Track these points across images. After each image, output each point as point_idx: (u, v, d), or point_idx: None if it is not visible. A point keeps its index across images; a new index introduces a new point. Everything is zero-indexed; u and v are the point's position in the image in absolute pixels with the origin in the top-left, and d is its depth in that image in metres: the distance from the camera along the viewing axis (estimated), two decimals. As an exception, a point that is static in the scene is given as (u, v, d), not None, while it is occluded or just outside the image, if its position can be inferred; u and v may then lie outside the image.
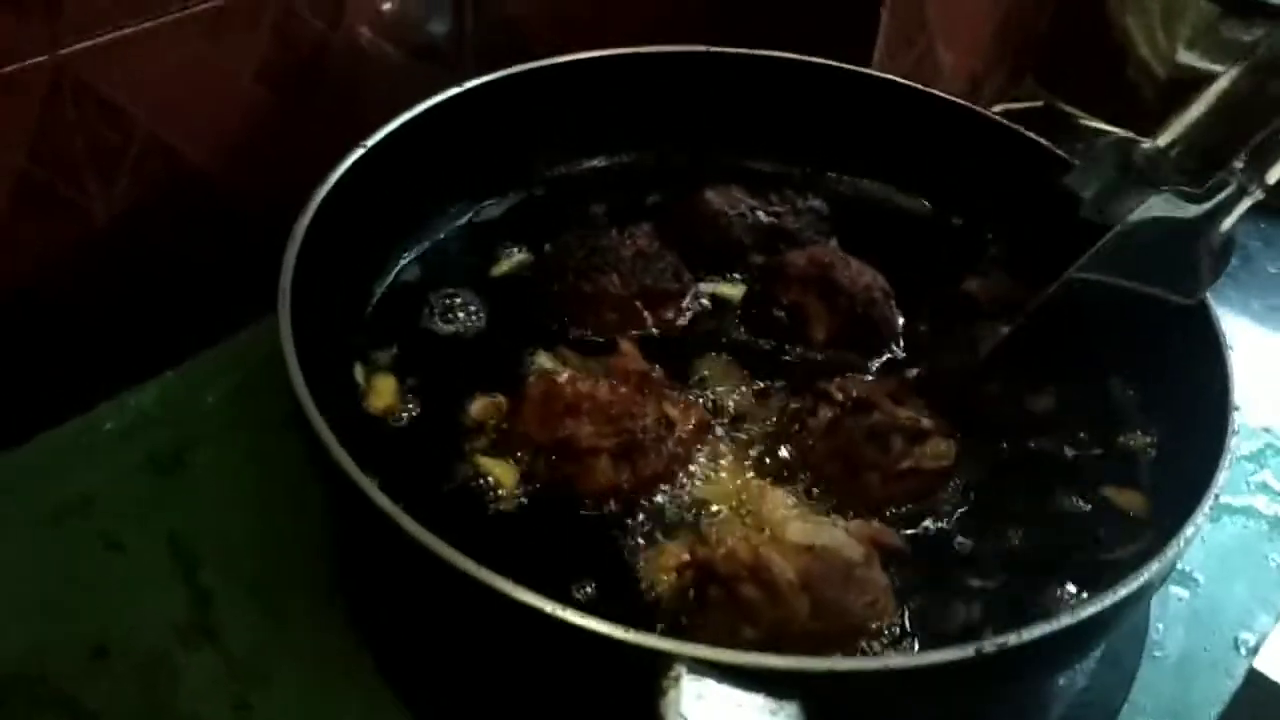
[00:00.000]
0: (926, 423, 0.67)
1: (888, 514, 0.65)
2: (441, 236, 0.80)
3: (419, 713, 0.61)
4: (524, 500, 0.64)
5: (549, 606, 0.50)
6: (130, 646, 0.62)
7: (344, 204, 0.70)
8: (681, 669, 0.48)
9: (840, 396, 0.67)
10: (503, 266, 0.79)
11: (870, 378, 0.72)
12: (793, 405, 0.69)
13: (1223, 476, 0.58)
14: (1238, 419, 0.62)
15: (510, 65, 0.81)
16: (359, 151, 0.72)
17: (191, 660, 0.62)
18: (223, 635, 0.64)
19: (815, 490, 0.66)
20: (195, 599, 0.65)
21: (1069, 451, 0.71)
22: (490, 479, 0.65)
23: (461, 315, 0.74)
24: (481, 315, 0.75)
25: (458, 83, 0.78)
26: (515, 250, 0.80)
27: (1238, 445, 0.61)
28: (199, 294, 0.81)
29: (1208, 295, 0.71)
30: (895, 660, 0.53)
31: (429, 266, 0.78)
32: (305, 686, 0.62)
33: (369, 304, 0.75)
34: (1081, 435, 0.71)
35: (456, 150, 0.78)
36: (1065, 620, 0.51)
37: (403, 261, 0.78)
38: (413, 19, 0.89)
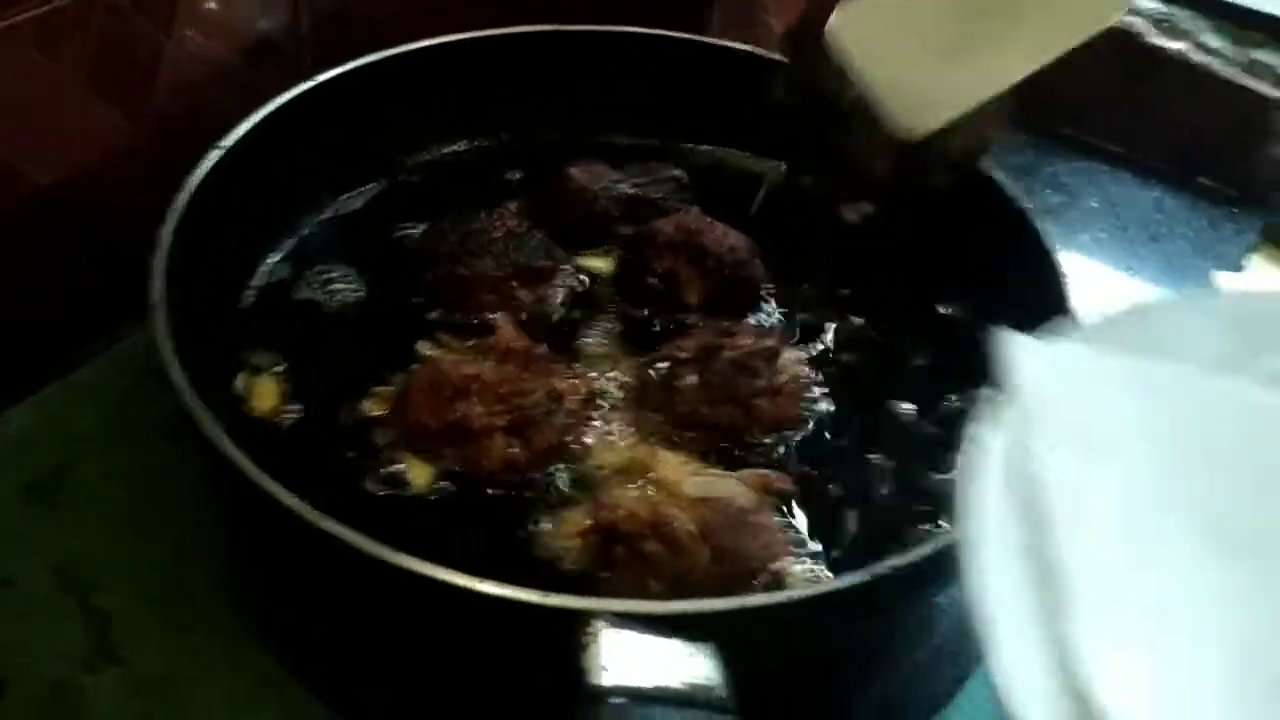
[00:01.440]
0: (769, 341, 0.71)
1: (785, 444, 0.68)
2: (308, 233, 0.80)
3: (338, 709, 0.61)
4: (424, 486, 0.65)
5: (464, 581, 0.51)
6: (31, 678, 0.61)
7: (206, 207, 0.69)
8: (600, 624, 0.50)
9: (686, 354, 0.70)
10: (373, 258, 0.79)
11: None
12: (656, 373, 0.71)
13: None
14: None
15: (351, 59, 0.81)
16: (216, 154, 0.71)
17: (96, 684, 0.61)
18: (126, 656, 0.63)
19: (710, 446, 0.68)
20: (93, 623, 0.64)
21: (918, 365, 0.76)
22: (391, 469, 0.65)
23: (337, 309, 0.74)
24: (357, 308, 0.75)
25: (304, 78, 0.77)
26: (388, 239, 0.80)
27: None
28: (66, 312, 0.79)
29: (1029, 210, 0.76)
30: (798, 592, 0.56)
31: (298, 263, 0.77)
32: (217, 698, 0.62)
33: (242, 306, 0.74)
34: (928, 353, 0.77)
35: (314, 145, 0.78)
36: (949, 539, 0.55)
37: (271, 261, 0.77)
38: (245, 19, 0.88)
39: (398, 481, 0.65)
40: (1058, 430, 0.41)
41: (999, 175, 0.79)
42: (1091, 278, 1.05)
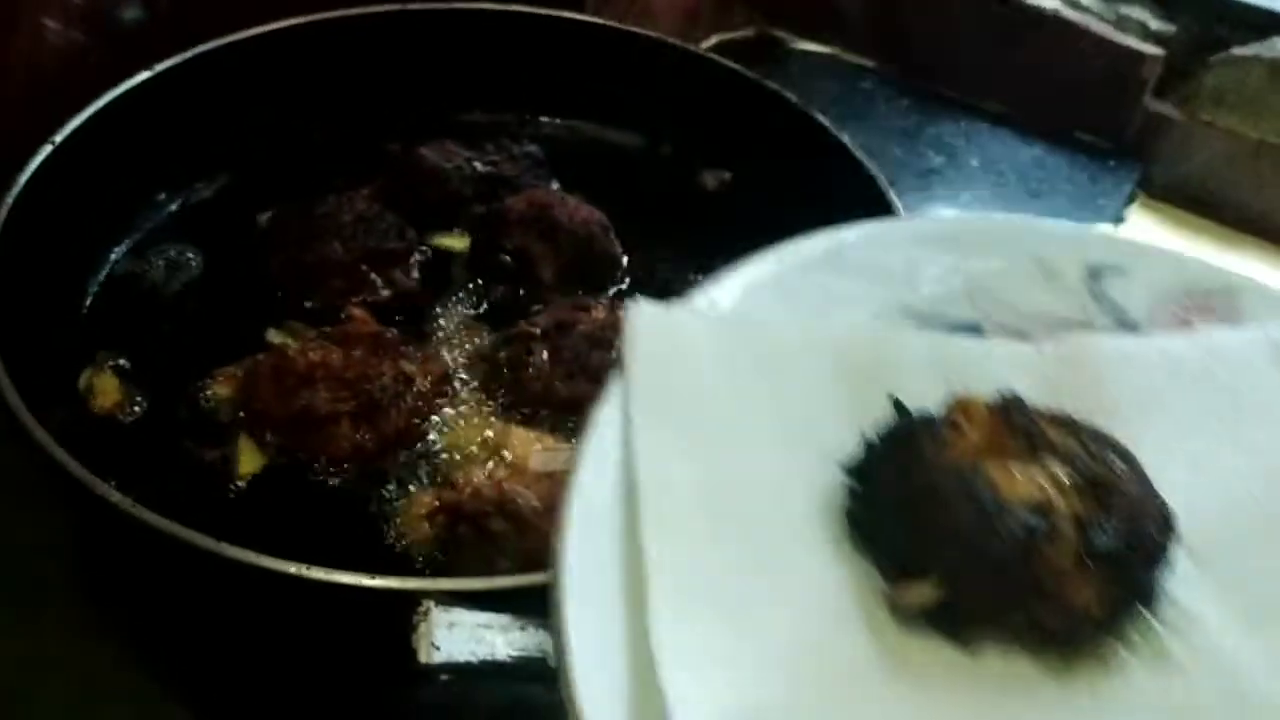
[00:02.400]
0: (622, 312, 0.70)
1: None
2: (153, 225, 0.78)
3: (186, 702, 0.61)
4: (271, 475, 0.64)
5: (294, 568, 0.51)
6: None
7: (41, 203, 0.68)
8: (429, 603, 0.50)
9: (538, 330, 0.70)
10: (223, 247, 0.78)
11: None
12: (509, 350, 0.70)
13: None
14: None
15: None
16: (48, 148, 0.69)
17: (-55, 686, 0.60)
18: (-30, 660, 0.62)
19: (568, 422, 0.68)
20: (-59, 623, 0.63)
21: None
22: (234, 459, 0.65)
23: (184, 302, 0.73)
24: (205, 299, 0.74)
25: (148, 66, 0.76)
26: (234, 230, 0.79)
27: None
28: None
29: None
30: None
31: (144, 256, 0.76)
32: (70, 697, 0.61)
33: (84, 302, 0.73)
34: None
35: (157, 136, 0.77)
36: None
37: (114, 255, 0.76)
38: (101, 5, 0.86)
39: (236, 471, 0.64)
40: (658, 405, 0.43)
41: (849, 139, 0.79)
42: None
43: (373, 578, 0.51)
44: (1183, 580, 0.43)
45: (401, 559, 0.61)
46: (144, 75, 0.75)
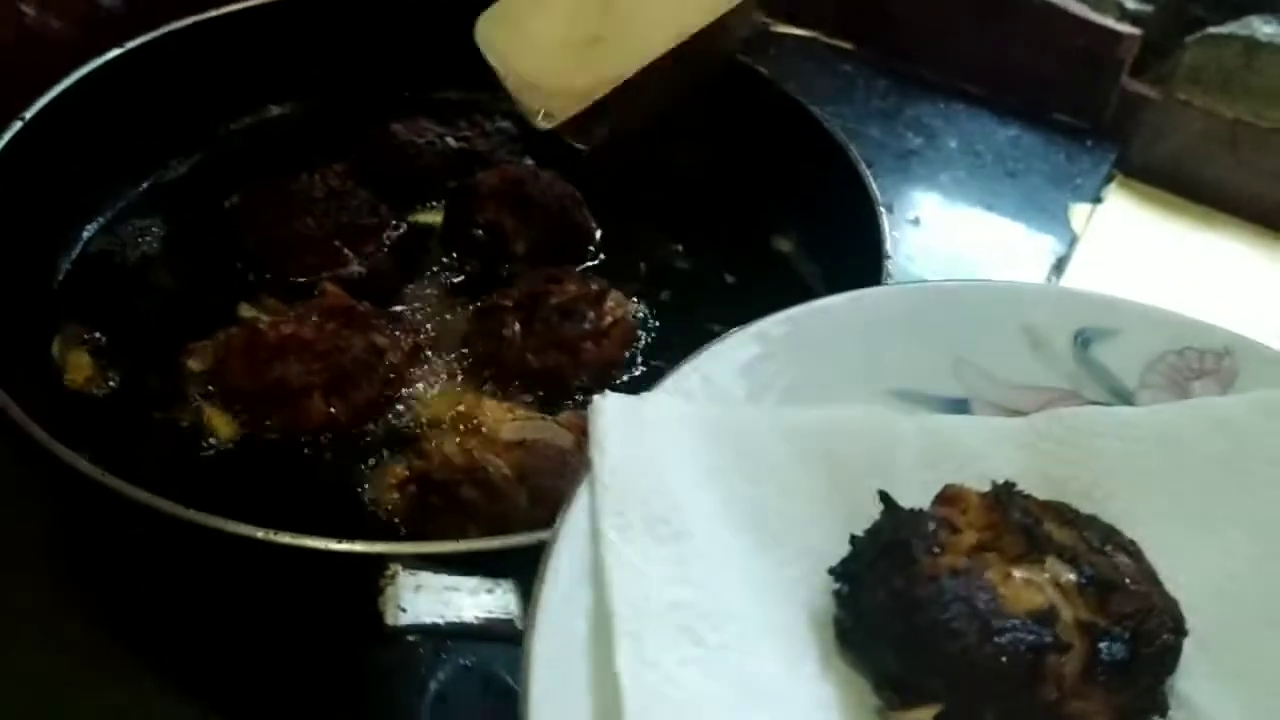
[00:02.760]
0: (595, 284, 0.71)
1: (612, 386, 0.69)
2: (126, 203, 0.78)
3: (157, 669, 0.61)
4: (244, 447, 0.64)
5: (261, 533, 0.51)
6: None
7: (12, 179, 0.68)
8: (397, 566, 0.50)
9: (510, 303, 0.70)
10: (196, 224, 0.78)
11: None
12: (482, 323, 0.71)
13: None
14: (891, 267, 0.68)
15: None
16: (16, 125, 0.69)
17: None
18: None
19: (540, 393, 0.68)
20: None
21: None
22: (209, 430, 0.65)
23: (156, 277, 0.73)
24: (178, 275, 0.74)
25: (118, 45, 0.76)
26: (208, 206, 0.79)
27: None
28: None
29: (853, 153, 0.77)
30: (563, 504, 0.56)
31: (116, 234, 0.76)
32: (40, 662, 0.61)
33: (55, 279, 0.73)
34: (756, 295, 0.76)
35: (129, 113, 0.77)
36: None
37: (87, 232, 0.76)
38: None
39: (211, 442, 0.64)
40: (629, 512, 0.41)
41: (818, 111, 0.79)
42: (952, 216, 1.07)
43: (339, 542, 0.51)
44: (1187, 671, 0.41)
45: (373, 527, 0.61)
46: (115, 52, 0.75)
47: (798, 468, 0.45)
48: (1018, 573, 0.40)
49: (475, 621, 0.49)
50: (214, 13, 0.80)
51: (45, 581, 0.64)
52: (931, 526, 0.41)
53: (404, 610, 0.49)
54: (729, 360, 0.47)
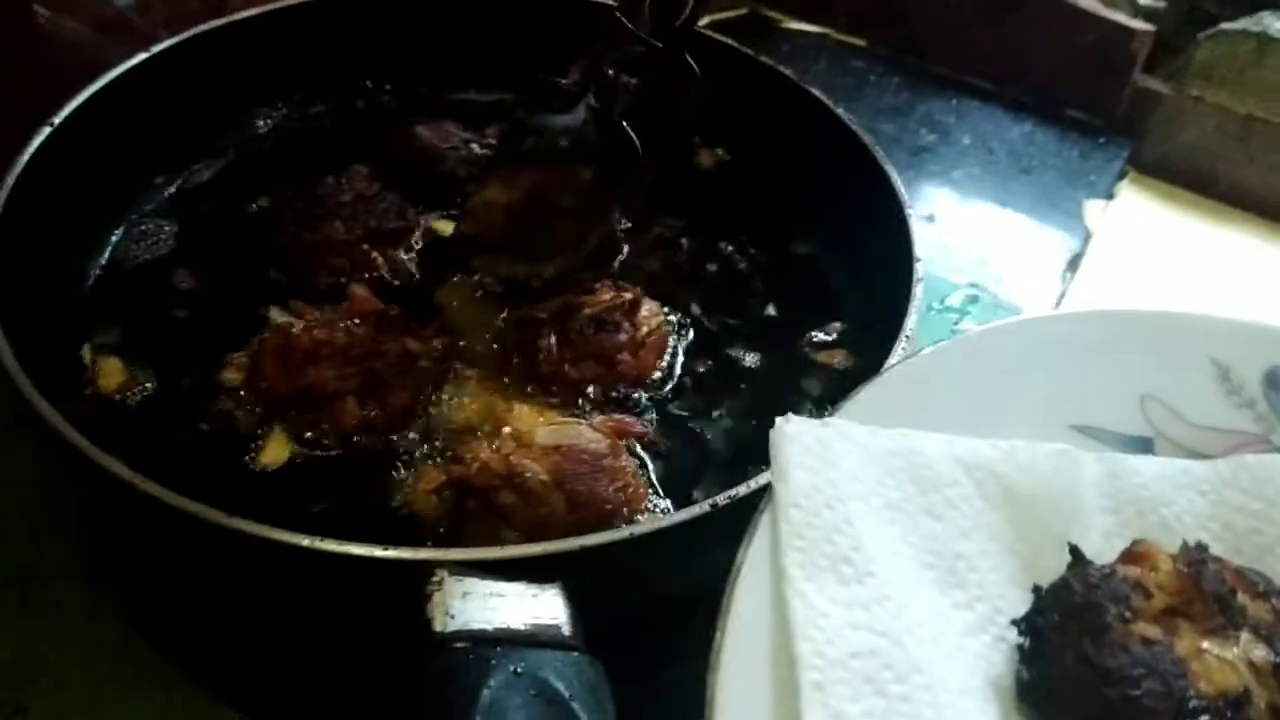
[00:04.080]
0: (628, 294, 0.71)
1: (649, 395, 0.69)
2: (152, 207, 0.78)
3: (201, 680, 0.61)
4: (282, 454, 0.64)
5: (306, 541, 0.51)
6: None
7: (41, 186, 0.68)
8: (443, 572, 0.50)
9: (545, 314, 0.70)
10: (223, 228, 0.78)
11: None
12: (515, 338, 0.71)
13: (912, 321, 0.64)
14: (921, 269, 0.68)
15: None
16: (46, 130, 0.69)
17: (-47, 673, 0.61)
18: (-17, 642, 0.62)
19: (575, 404, 0.68)
20: (-53, 613, 0.63)
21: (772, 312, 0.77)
22: (243, 436, 0.65)
23: (185, 283, 0.73)
24: (207, 280, 0.74)
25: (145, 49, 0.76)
26: (234, 211, 0.79)
27: (924, 291, 0.67)
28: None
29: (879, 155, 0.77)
30: (640, 527, 0.56)
31: (144, 238, 0.76)
32: (82, 677, 0.61)
33: (86, 286, 0.73)
34: (782, 299, 0.78)
35: (156, 117, 0.77)
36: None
37: (114, 236, 0.76)
38: (96, -7, 0.86)
39: (250, 449, 0.64)
40: (812, 548, 0.40)
41: (843, 113, 0.79)
42: (966, 213, 1.07)
43: (385, 548, 0.51)
44: None
45: (409, 532, 0.61)
46: (142, 56, 0.75)
47: (978, 504, 0.44)
48: (1210, 647, 0.39)
49: (524, 627, 0.49)
50: (238, 16, 0.80)
51: (80, 585, 0.64)
52: (1123, 589, 0.40)
53: (452, 616, 0.49)
54: (906, 385, 0.47)
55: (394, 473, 0.64)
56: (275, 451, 0.64)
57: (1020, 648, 0.41)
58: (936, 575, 0.42)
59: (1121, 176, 1.13)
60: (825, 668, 0.38)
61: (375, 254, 0.74)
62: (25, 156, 0.67)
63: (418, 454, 0.65)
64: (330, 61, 0.86)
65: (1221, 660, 0.39)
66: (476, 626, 0.48)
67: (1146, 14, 1.16)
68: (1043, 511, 0.44)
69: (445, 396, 0.68)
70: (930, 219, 1.05)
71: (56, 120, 0.70)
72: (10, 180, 0.66)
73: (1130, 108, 1.16)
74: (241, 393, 0.66)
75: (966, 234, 1.04)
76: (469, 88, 0.89)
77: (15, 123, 0.70)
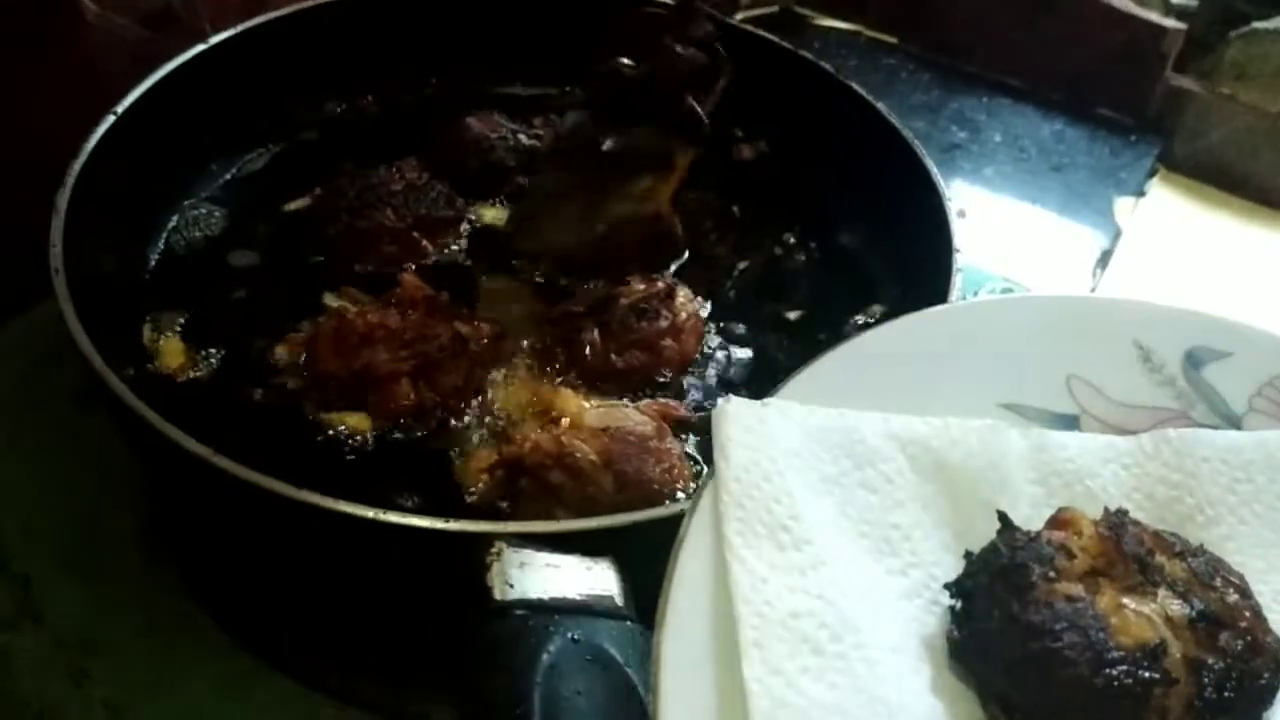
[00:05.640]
0: (661, 283, 0.73)
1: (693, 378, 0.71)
2: (208, 194, 0.81)
3: (259, 651, 0.63)
4: (335, 429, 0.66)
5: (372, 513, 0.53)
6: (-47, 641, 0.62)
7: (104, 171, 0.70)
8: (502, 544, 0.52)
9: (582, 309, 0.72)
10: (276, 215, 0.80)
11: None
12: (557, 333, 0.72)
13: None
14: (960, 260, 0.69)
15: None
16: (110, 118, 0.71)
17: (20, 644, 0.63)
18: (49, 615, 0.64)
19: (625, 392, 0.70)
20: (12, 587, 0.65)
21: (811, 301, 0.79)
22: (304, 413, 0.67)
23: (241, 267, 0.75)
24: (261, 266, 0.76)
25: (202, 41, 0.78)
26: (288, 198, 0.81)
27: (961, 283, 0.68)
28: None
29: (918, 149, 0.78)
30: (678, 506, 0.58)
31: (201, 224, 0.78)
32: (142, 646, 0.63)
33: (146, 269, 0.75)
34: (821, 288, 0.80)
35: (212, 107, 0.79)
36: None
37: (173, 222, 0.78)
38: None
39: (307, 429, 0.66)
40: (752, 518, 0.42)
41: (884, 107, 0.81)
42: (997, 210, 1.09)
43: (447, 521, 0.53)
44: None
45: (467, 509, 0.63)
46: (199, 48, 0.77)
47: (912, 477, 0.46)
48: (1129, 603, 0.41)
49: (578, 597, 0.51)
50: (293, 8, 0.82)
51: (140, 559, 0.66)
52: (1048, 551, 0.42)
53: (511, 586, 0.51)
54: (843, 367, 0.49)
55: (449, 451, 0.66)
56: (352, 424, 0.66)
57: (952, 609, 0.44)
58: (872, 544, 0.44)
59: (1152, 174, 1.14)
60: (764, 627, 0.40)
61: (425, 241, 0.76)
62: (91, 142, 0.69)
63: (470, 434, 0.67)
64: (377, 55, 0.88)
65: (1139, 615, 0.41)
66: (534, 596, 0.50)
67: (1178, 12, 1.16)
68: (973, 483, 0.46)
69: (493, 378, 0.70)
70: (962, 214, 1.06)
71: (120, 108, 0.72)
72: (76, 167, 0.68)
73: (1161, 106, 1.17)
74: (303, 373, 0.68)
75: (998, 230, 1.05)
76: (515, 81, 0.91)
77: (68, 114, 0.72)
